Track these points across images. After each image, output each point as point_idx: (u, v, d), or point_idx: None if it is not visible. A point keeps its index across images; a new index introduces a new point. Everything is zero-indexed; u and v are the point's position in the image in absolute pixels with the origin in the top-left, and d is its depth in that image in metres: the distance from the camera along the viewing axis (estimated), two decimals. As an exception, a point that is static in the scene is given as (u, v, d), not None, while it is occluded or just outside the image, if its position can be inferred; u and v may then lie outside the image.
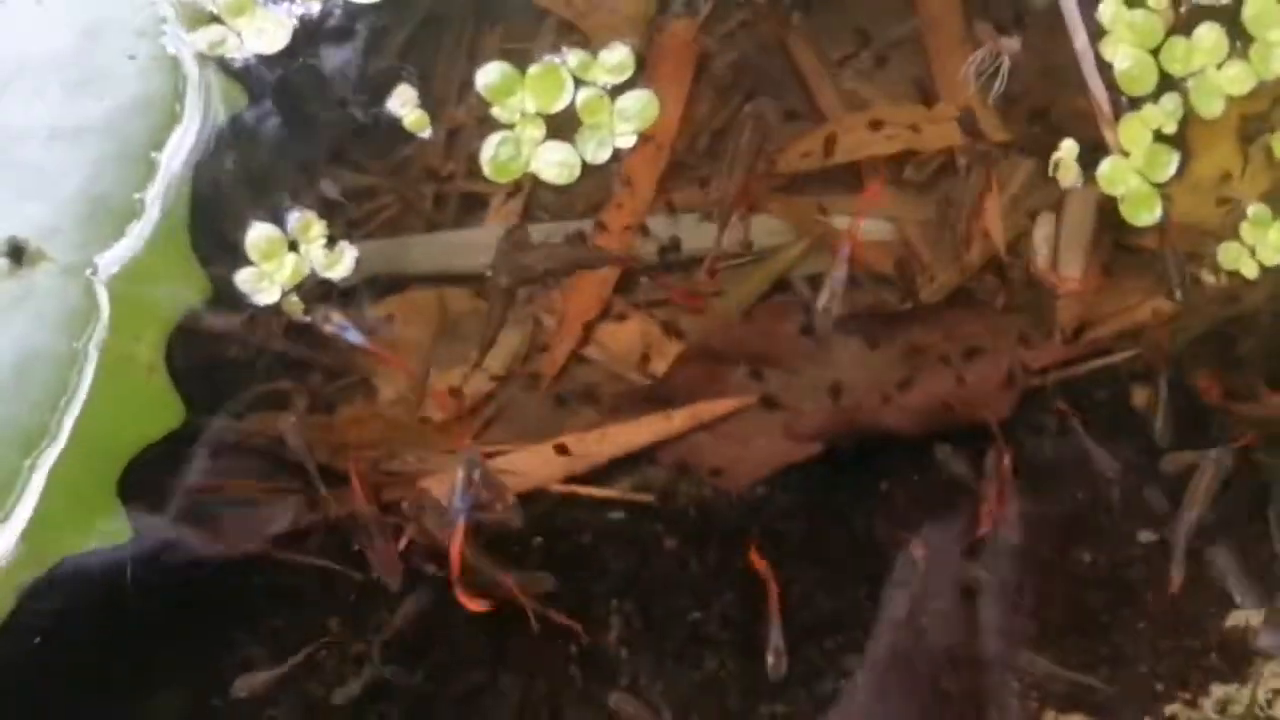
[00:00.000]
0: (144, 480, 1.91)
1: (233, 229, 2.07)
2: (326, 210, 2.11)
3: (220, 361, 2.10)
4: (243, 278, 2.07)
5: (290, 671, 2.02)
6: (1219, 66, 2.18)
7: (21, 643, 1.87)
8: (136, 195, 1.87)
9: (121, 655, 2.00)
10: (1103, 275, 2.19)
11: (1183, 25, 2.19)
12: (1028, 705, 2.04)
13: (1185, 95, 2.18)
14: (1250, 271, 2.14)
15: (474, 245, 2.18)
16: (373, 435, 2.12)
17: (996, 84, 2.19)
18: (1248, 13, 2.18)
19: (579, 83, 2.15)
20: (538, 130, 2.13)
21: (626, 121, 2.14)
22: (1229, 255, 2.15)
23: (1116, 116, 2.18)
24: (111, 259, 1.85)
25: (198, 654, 2.04)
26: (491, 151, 2.13)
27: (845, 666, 2.04)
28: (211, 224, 2.03)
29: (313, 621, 2.06)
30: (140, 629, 1.99)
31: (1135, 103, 2.18)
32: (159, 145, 1.90)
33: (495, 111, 2.13)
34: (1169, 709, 2.03)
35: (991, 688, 2.03)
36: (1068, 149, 2.15)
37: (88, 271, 1.83)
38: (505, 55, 2.19)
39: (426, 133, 2.17)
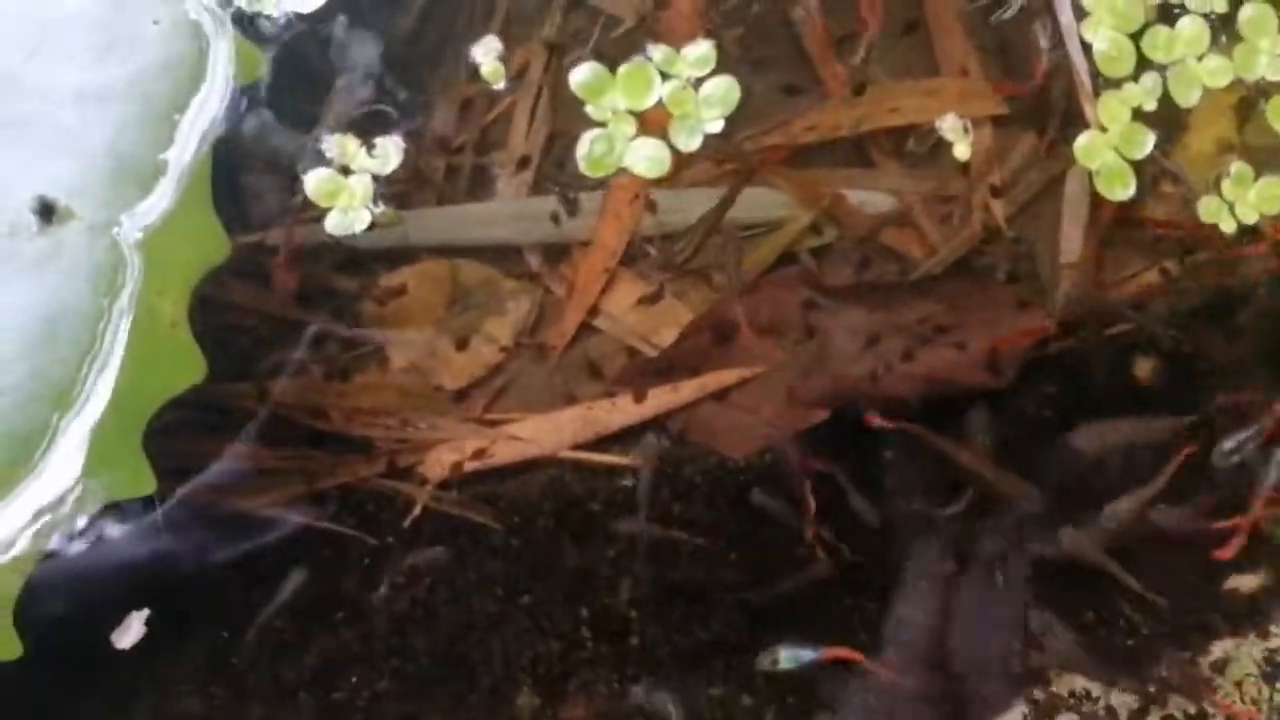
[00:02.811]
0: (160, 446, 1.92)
1: (254, 189, 2.11)
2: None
3: (237, 331, 2.13)
4: (332, 223, 2.14)
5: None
6: (1199, 59, 2.22)
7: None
8: (160, 155, 1.90)
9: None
10: (1102, 247, 2.22)
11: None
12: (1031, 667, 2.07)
13: (1165, 80, 2.22)
14: (1228, 226, 2.19)
15: (485, 217, 2.21)
16: (386, 403, 2.14)
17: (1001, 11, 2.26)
18: (1244, 14, 2.23)
19: (664, 76, 2.20)
20: (629, 127, 2.19)
21: (712, 108, 2.19)
22: (1209, 209, 2.19)
23: (1097, 93, 2.22)
24: (137, 217, 1.87)
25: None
26: (586, 149, 2.18)
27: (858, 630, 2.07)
28: (234, 185, 2.06)
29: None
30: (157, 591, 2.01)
31: (1115, 82, 2.22)
32: (182, 107, 1.92)
33: (589, 110, 2.19)
34: (1167, 668, 2.06)
35: (998, 649, 2.06)
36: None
37: (114, 229, 1.85)
38: (509, 27, 2.27)
39: (501, 84, 2.25)
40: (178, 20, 1.93)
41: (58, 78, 1.87)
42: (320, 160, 2.16)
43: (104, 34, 1.90)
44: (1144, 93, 2.21)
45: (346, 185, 2.15)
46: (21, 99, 1.87)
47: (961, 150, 2.22)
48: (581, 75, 2.19)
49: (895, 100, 2.26)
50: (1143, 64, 2.23)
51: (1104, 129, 2.21)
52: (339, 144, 2.15)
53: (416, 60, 2.26)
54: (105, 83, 1.88)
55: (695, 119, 2.19)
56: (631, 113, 2.19)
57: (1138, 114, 2.22)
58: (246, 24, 2.11)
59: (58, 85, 1.87)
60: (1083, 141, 2.20)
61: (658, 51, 2.19)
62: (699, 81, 2.21)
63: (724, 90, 2.20)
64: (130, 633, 2.00)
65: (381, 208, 2.15)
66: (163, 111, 1.91)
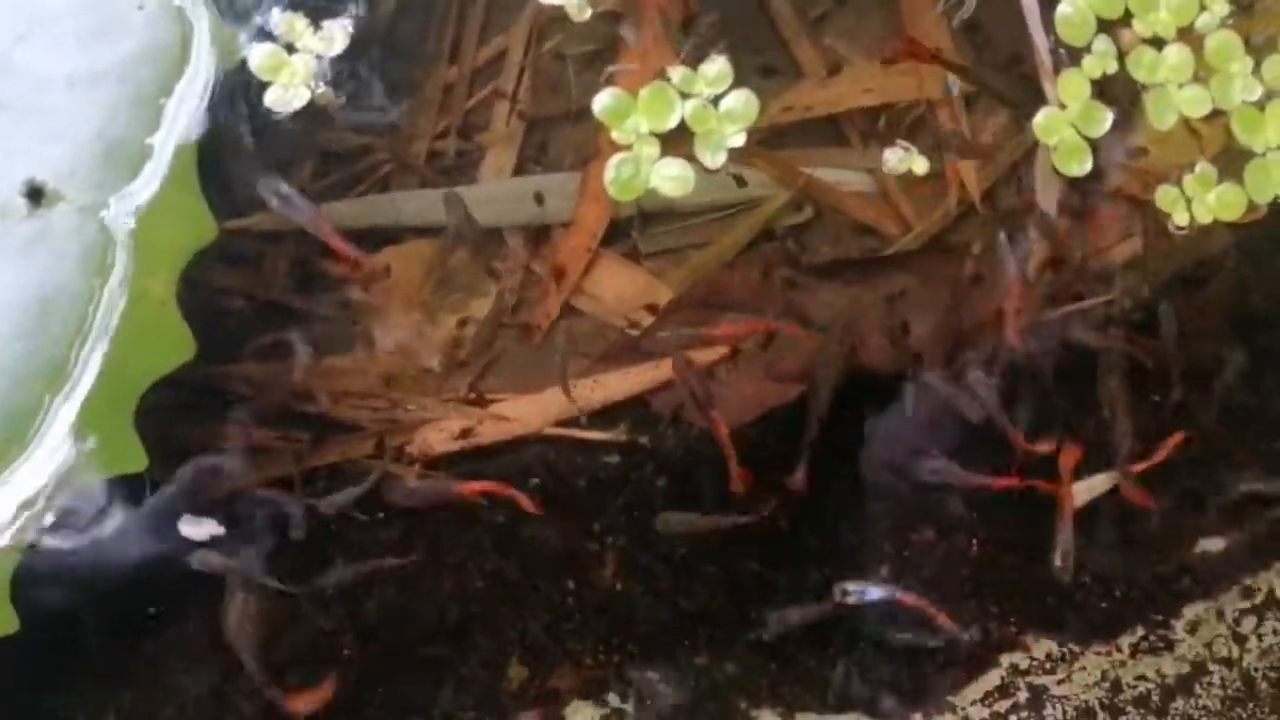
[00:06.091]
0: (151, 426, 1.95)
1: (240, 174, 2.15)
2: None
3: (225, 315, 2.16)
4: (272, 98, 2.18)
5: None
6: (1180, 86, 2.25)
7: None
8: (148, 139, 1.93)
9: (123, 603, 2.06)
10: (1075, 220, 2.25)
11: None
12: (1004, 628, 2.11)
13: (1140, 101, 2.26)
14: (1181, 219, 2.23)
15: (468, 199, 2.24)
16: (373, 384, 2.17)
17: (962, 11, 2.28)
18: (1209, 45, 2.25)
19: (684, 96, 2.22)
20: (653, 149, 2.21)
21: (734, 122, 2.22)
22: (1166, 199, 2.23)
23: (1057, 70, 2.26)
24: (125, 199, 1.91)
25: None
26: (613, 173, 2.19)
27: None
28: (220, 170, 2.09)
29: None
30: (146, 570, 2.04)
31: (1074, 55, 2.25)
32: (167, 91, 1.96)
33: (614, 135, 2.21)
34: (1140, 630, 2.10)
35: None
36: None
37: (102, 212, 1.88)
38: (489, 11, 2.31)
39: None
40: (161, 5, 1.96)
41: (48, 64, 1.91)
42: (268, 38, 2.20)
43: (92, 20, 1.93)
44: (1099, 59, 2.24)
45: (289, 62, 2.19)
46: (11, 84, 1.91)
47: (919, 166, 2.25)
48: (603, 101, 2.21)
49: (869, 80, 2.29)
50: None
51: (1063, 106, 2.24)
52: (286, 21, 2.19)
53: (398, 45, 2.28)
54: (93, 68, 1.91)
55: (719, 135, 2.22)
56: (654, 134, 2.21)
57: (1100, 94, 2.24)
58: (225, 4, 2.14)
59: (48, 71, 1.91)
60: (1041, 119, 2.24)
61: (676, 73, 2.22)
62: (717, 98, 2.23)
63: (743, 104, 2.22)
64: (203, 528, 2.03)
65: (323, 89, 2.18)
66: (149, 96, 1.94)
